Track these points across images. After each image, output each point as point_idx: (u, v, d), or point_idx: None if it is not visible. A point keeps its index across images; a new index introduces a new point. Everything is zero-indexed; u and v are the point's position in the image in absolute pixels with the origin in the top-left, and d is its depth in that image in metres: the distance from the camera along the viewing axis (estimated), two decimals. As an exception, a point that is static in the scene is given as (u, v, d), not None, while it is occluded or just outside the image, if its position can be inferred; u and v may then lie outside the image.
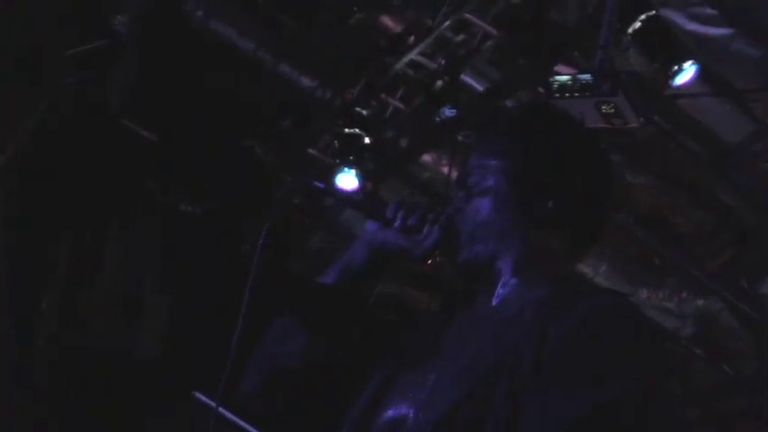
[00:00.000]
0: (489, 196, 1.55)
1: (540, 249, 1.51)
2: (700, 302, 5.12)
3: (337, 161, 4.71)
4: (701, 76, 3.93)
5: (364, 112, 4.57)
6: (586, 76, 3.51)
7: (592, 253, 5.21)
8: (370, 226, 1.65)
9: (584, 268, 4.94)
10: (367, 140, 4.58)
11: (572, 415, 1.28)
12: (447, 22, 4.20)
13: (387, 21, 4.49)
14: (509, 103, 4.47)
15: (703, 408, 5.24)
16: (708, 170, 4.64)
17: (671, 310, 5.14)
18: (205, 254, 5.22)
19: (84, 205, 5.16)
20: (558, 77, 3.56)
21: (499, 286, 1.52)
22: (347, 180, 4.67)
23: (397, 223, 1.58)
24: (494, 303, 1.51)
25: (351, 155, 4.63)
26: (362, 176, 4.64)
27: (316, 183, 1.67)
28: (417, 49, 4.33)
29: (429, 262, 1.58)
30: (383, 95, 4.57)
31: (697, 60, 3.88)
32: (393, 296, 5.04)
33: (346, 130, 4.59)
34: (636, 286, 5.13)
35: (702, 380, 5.25)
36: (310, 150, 4.93)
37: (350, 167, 4.63)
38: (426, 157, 4.80)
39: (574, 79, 3.53)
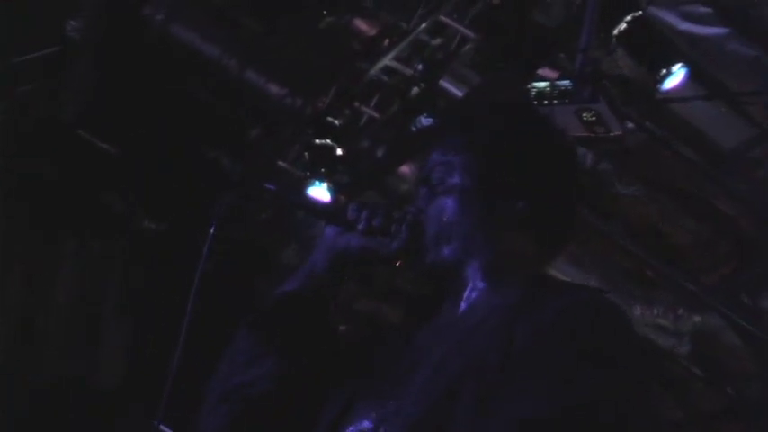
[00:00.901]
0: (454, 195, 1.57)
1: (509, 252, 1.54)
2: (697, 319, 5.21)
3: (308, 174, 4.78)
4: (694, 77, 4.03)
5: (337, 122, 4.66)
6: (566, 83, 3.62)
7: (581, 267, 5.27)
8: (330, 230, 1.65)
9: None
10: (340, 152, 4.67)
11: (525, 416, 1.31)
12: (423, 25, 4.31)
13: (359, 24, 4.58)
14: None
15: (703, 432, 5.34)
16: (703, 177, 4.76)
17: (666, 328, 5.24)
18: (169, 273, 5.29)
19: (37, 222, 5.21)
20: (536, 84, 3.67)
21: (467, 291, 1.54)
22: (319, 194, 4.74)
23: (360, 225, 1.58)
24: (461, 310, 1.53)
25: (323, 167, 4.71)
26: (335, 190, 4.71)
27: (266, 185, 1.62)
28: (392, 54, 4.44)
29: (398, 264, 1.60)
30: (356, 103, 4.67)
31: (687, 63, 3.96)
32: (367, 315, 5.14)
33: (317, 140, 4.67)
34: (627, 302, 5.23)
35: (702, 402, 5.34)
36: (280, 162, 5.01)
37: (322, 180, 4.71)
38: (404, 169, 4.88)
39: (552, 86, 3.64)
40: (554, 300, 1.42)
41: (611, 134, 3.73)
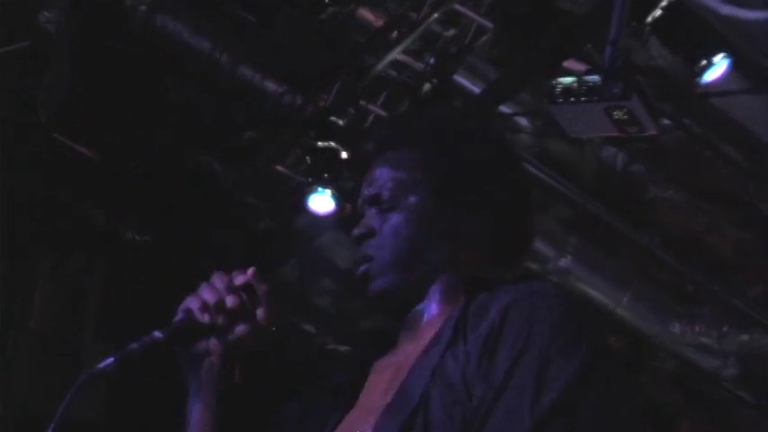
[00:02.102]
0: (407, 213, 1.64)
1: (468, 267, 1.62)
2: (744, 337, 5.23)
3: (309, 180, 4.81)
4: (738, 68, 4.06)
5: (340, 122, 4.69)
6: (594, 78, 3.66)
7: (613, 281, 5.32)
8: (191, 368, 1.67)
9: (603, 299, 5.09)
10: (344, 155, 4.69)
11: None
12: (435, 15, 4.34)
13: (365, 14, 4.62)
14: (506, 108, 4.62)
15: (752, 465, 5.35)
16: (747, 180, 4.80)
17: (709, 347, 5.26)
18: (156, 291, 5.31)
19: (8, 236, 5.24)
20: (561, 79, 3.71)
21: (425, 316, 1.61)
22: (322, 202, 4.79)
23: (207, 320, 1.63)
24: (418, 334, 1.59)
25: (325, 172, 4.74)
26: (340, 197, 4.74)
27: (156, 333, 1.60)
28: (401, 47, 4.48)
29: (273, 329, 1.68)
30: (362, 102, 4.69)
31: (730, 52, 4.00)
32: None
33: (320, 142, 4.71)
34: (666, 319, 5.26)
35: (750, 430, 5.37)
36: (278, 167, 5.03)
37: (325, 187, 4.74)
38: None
39: (580, 81, 3.68)
40: (497, 301, 1.49)
41: (645, 133, 3.77)
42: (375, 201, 1.67)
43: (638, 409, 1.52)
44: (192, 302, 1.65)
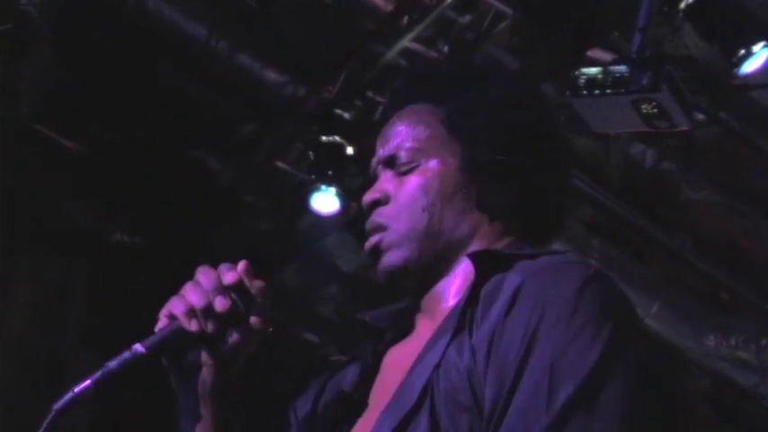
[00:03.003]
0: (427, 177, 1.58)
1: (492, 242, 1.56)
2: (785, 351, 5.25)
3: (313, 177, 4.83)
4: None
5: (346, 115, 4.72)
6: (621, 68, 3.64)
7: (641, 289, 5.31)
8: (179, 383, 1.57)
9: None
10: (350, 150, 4.71)
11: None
12: (449, 0, 4.35)
13: (373, -2, 4.63)
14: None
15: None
16: (789, 180, 4.84)
17: (747, 362, 5.25)
18: (144, 297, 5.32)
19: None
20: (585, 70, 3.68)
21: (445, 298, 1.56)
22: (326, 201, 4.81)
23: (194, 328, 1.53)
24: (436, 319, 1.53)
25: (330, 169, 4.75)
26: (345, 196, 4.76)
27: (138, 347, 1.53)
28: (413, 34, 4.48)
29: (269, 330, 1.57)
30: (370, 93, 4.70)
31: None
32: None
33: (324, 137, 4.72)
34: (699, 331, 5.25)
35: (791, 453, 5.37)
36: (278, 163, 5.05)
37: (329, 185, 4.76)
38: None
39: (605, 72, 3.65)
40: (507, 280, 1.44)
41: (677, 129, 3.77)
42: (391, 162, 1.62)
43: (670, 401, 1.45)
44: (175, 306, 1.54)
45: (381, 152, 1.63)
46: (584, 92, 3.70)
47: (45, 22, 4.69)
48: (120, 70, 4.92)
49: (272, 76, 4.79)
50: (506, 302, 1.41)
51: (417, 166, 1.59)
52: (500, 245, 1.56)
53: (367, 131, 4.74)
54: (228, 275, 1.55)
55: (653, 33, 3.80)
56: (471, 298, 1.46)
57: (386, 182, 1.61)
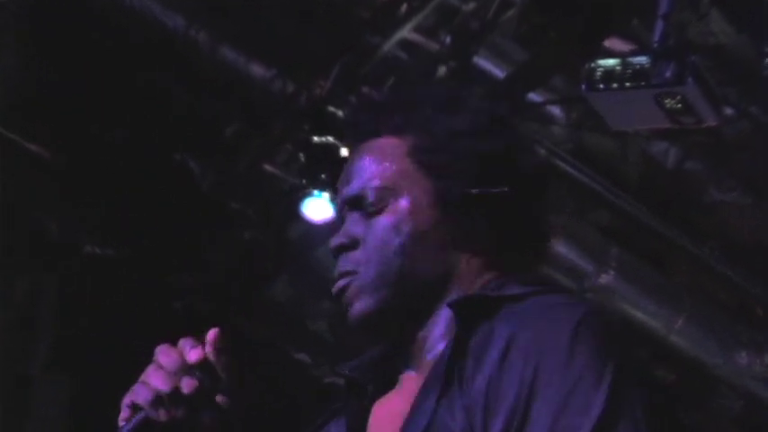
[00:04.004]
0: (397, 217, 1.60)
1: (471, 281, 1.59)
2: (824, 370, 5.23)
3: (304, 181, 4.81)
4: None
5: (340, 113, 4.68)
6: (642, 59, 3.64)
7: (664, 302, 5.31)
8: None
9: (653, 324, 5.08)
10: (345, 152, 4.65)
11: None
12: (451, -14, 4.37)
13: (368, -15, 4.63)
14: (536, 96, 4.61)
15: None
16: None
17: (782, 382, 5.28)
18: (119, 315, 5.31)
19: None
20: (602, 62, 3.68)
21: (428, 347, 1.58)
22: (318, 208, 4.79)
23: (162, 417, 1.54)
24: (421, 371, 1.57)
25: (323, 172, 4.74)
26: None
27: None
28: (412, 24, 4.48)
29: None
30: (365, 89, 4.68)
31: None
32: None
33: (316, 137, 4.71)
34: (730, 347, 5.24)
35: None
36: (266, 166, 5.04)
37: (322, 190, 4.75)
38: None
39: (624, 63, 3.64)
40: (501, 325, 1.47)
41: (704, 125, 3.77)
42: (357, 203, 1.63)
43: None
44: (139, 395, 1.54)
45: (346, 192, 1.65)
46: (601, 86, 3.70)
47: (9, 16, 4.71)
48: (91, 67, 4.91)
49: (258, 70, 4.78)
50: (499, 356, 1.43)
51: (386, 206, 1.60)
52: (482, 283, 1.59)
53: None
54: (192, 354, 1.56)
55: (676, 20, 3.80)
56: (457, 351, 1.48)
57: (353, 224, 1.62)
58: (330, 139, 4.68)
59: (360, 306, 1.59)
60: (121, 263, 5.52)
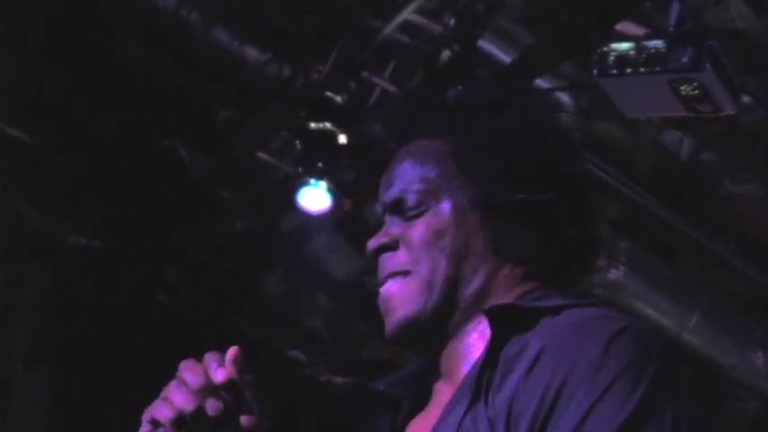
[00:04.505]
0: (437, 221, 1.63)
1: (511, 290, 1.61)
2: None
3: (300, 170, 4.82)
4: None
5: (338, 99, 4.69)
6: (657, 43, 3.63)
7: (677, 298, 5.29)
8: None
9: (665, 322, 5.08)
10: (343, 139, 4.70)
11: None
12: (456, -35, 4.36)
13: (369, -36, 4.60)
14: (543, 82, 4.61)
15: None
16: None
17: (801, 383, 5.27)
18: (104, 310, 5.30)
19: None
20: (615, 46, 3.67)
21: (464, 356, 1.60)
22: (315, 198, 4.79)
23: None
24: (456, 381, 1.58)
25: (320, 160, 4.74)
26: (337, 192, 4.75)
27: None
28: (413, 5, 4.46)
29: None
30: (365, 73, 4.68)
31: None
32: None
33: (313, 124, 4.71)
34: (745, 347, 5.23)
35: None
36: (260, 154, 5.02)
37: (319, 179, 4.75)
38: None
39: (638, 48, 3.65)
40: (543, 330, 1.49)
41: (721, 113, 3.76)
42: (397, 207, 1.66)
43: None
44: (161, 412, 1.54)
45: (386, 196, 1.67)
46: (615, 71, 3.70)
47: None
48: (75, 48, 4.88)
49: (252, 53, 4.77)
50: (527, 367, 1.45)
51: (427, 209, 1.64)
52: (521, 293, 1.61)
53: (362, 117, 4.74)
54: (219, 374, 1.55)
55: (692, 3, 3.78)
56: (488, 361, 1.50)
57: (393, 228, 1.66)
58: (327, 125, 4.68)
59: (405, 311, 1.61)
60: (107, 254, 5.51)
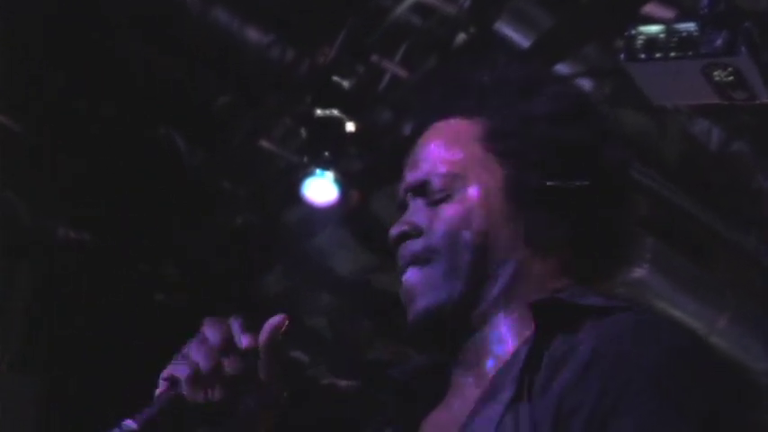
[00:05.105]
0: (465, 207, 1.62)
1: (543, 284, 1.61)
2: None
3: (306, 159, 4.82)
4: None
5: (346, 83, 4.69)
6: (688, 26, 3.60)
7: (705, 298, 5.28)
8: None
9: (692, 323, 5.06)
10: (351, 127, 4.70)
11: None
12: (471, -59, 4.36)
13: (378, -59, 4.61)
14: (564, 67, 4.59)
15: None
16: None
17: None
18: (96, 308, 5.30)
19: None
20: (643, 28, 3.64)
21: (491, 349, 1.60)
22: (320, 189, 4.80)
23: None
24: (481, 374, 1.59)
25: (326, 149, 4.75)
26: (344, 183, 4.76)
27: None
28: (426, -16, 4.48)
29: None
30: (375, 57, 4.69)
31: None
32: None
33: (319, 110, 4.70)
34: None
35: None
36: (262, 143, 5.03)
37: (325, 169, 4.76)
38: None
39: (669, 30, 3.61)
40: (586, 336, 1.48)
41: (757, 101, 3.73)
42: (422, 190, 1.65)
43: None
44: (178, 369, 1.55)
45: (410, 178, 1.67)
46: (643, 55, 3.66)
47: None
48: (66, 32, 4.86)
49: (254, 35, 4.75)
50: (578, 371, 1.45)
51: (453, 194, 1.64)
52: (554, 288, 1.60)
53: (370, 103, 4.74)
54: (245, 339, 1.56)
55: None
56: (530, 360, 1.50)
57: (416, 213, 1.66)
58: (334, 112, 4.67)
59: (428, 299, 1.61)
60: (99, 249, 5.50)
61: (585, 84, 4.78)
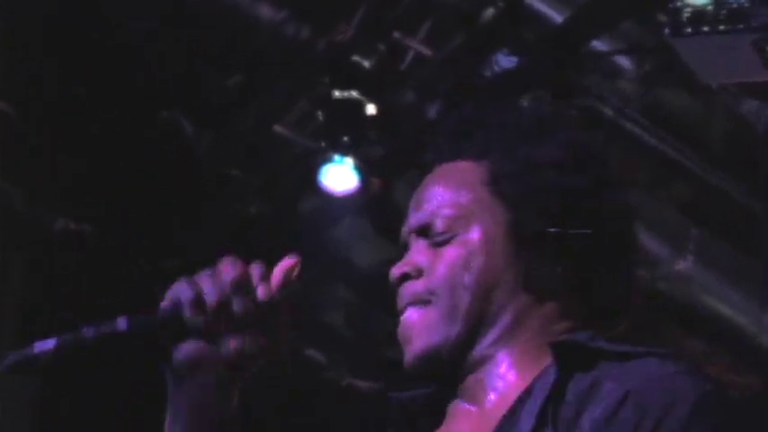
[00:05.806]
0: (467, 250, 1.73)
1: (544, 327, 1.71)
2: None
3: (323, 144, 4.83)
4: None
5: (366, 63, 4.69)
6: (740, -3, 3.59)
7: (752, 293, 5.23)
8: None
9: (739, 319, 5.04)
10: (371, 109, 4.70)
11: None
12: None
13: None
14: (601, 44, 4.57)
15: None
16: None
17: None
18: (96, 302, 5.30)
19: None
20: (690, 0, 3.65)
21: (492, 386, 1.70)
22: (339, 176, 4.81)
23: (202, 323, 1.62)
24: (483, 410, 1.69)
25: (345, 133, 4.75)
26: (364, 170, 4.76)
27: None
28: (452, -45, 4.48)
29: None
30: (396, 34, 4.68)
31: None
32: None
33: (337, 92, 4.70)
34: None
35: None
36: (276, 127, 5.02)
37: (344, 155, 4.76)
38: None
39: (717, 2, 3.62)
40: (609, 382, 1.58)
41: (814, 79, 3.74)
42: (424, 231, 1.76)
43: None
44: (183, 291, 1.63)
45: (413, 219, 1.78)
46: (689, 29, 3.69)
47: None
48: (66, 9, 4.86)
49: (267, 11, 4.73)
50: (609, 409, 1.55)
51: (456, 236, 1.74)
52: (555, 332, 1.70)
53: (392, 84, 4.74)
54: (261, 290, 1.64)
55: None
56: (553, 395, 1.59)
57: (418, 254, 1.76)
58: (354, 94, 4.67)
59: (425, 340, 1.71)
60: (99, 240, 5.49)
61: (624, 62, 4.79)
